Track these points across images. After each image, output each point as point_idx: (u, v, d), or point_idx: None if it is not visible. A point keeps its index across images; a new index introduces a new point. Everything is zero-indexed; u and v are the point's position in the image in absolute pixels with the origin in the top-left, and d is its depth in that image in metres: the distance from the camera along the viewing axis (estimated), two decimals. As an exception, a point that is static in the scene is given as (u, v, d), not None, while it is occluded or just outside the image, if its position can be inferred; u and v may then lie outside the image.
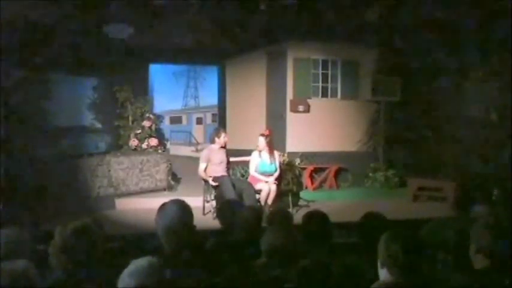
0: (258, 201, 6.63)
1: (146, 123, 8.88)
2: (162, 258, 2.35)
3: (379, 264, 2.19)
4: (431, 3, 7.65)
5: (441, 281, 2.36)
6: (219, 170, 6.84)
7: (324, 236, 3.33)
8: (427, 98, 9.07)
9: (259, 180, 6.82)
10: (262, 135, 7.05)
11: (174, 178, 8.65)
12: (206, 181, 6.90)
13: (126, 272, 1.94)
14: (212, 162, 6.86)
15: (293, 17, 7.85)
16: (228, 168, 7.10)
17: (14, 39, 7.28)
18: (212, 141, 7.04)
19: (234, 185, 6.60)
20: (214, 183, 6.72)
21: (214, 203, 6.81)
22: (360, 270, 2.49)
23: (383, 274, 2.17)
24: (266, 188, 6.71)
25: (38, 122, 7.85)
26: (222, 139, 6.94)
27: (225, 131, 7.22)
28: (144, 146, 8.72)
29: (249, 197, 6.52)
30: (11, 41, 7.21)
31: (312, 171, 8.64)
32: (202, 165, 6.87)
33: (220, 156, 6.93)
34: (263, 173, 6.90)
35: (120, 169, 7.74)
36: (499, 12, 7.38)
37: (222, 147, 6.98)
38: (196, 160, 7.56)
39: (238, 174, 7.63)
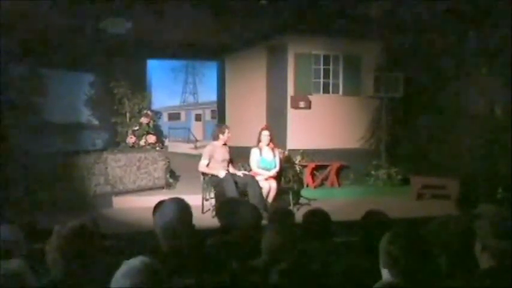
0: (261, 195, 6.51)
1: (144, 120, 8.78)
2: (159, 258, 2.27)
3: (380, 264, 2.14)
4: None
5: (445, 281, 2.29)
6: (221, 168, 6.70)
7: (325, 235, 3.28)
8: (430, 94, 8.96)
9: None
10: (265, 129, 6.98)
11: (173, 176, 8.58)
12: (205, 178, 6.79)
13: (119, 273, 1.86)
14: (214, 160, 6.74)
15: (294, 11, 7.73)
16: (229, 166, 6.98)
17: (10, 35, 7.18)
18: (216, 138, 6.91)
19: (236, 183, 6.47)
20: (221, 175, 6.54)
21: (213, 201, 6.72)
22: (362, 269, 2.47)
23: (385, 274, 2.12)
24: (266, 185, 6.65)
25: (34, 118, 7.74)
26: (226, 135, 6.83)
27: (228, 128, 7.07)
28: (141, 143, 8.63)
29: (254, 191, 6.41)
30: (7, 36, 7.10)
31: (313, 168, 8.56)
32: (204, 161, 6.75)
33: (223, 153, 6.83)
34: (264, 169, 6.85)
35: (117, 167, 7.65)
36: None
37: (224, 144, 6.87)
38: (195, 157, 7.47)
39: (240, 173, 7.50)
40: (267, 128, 7.10)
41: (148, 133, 8.76)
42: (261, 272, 2.58)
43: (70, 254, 2.28)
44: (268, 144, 6.92)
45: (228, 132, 6.88)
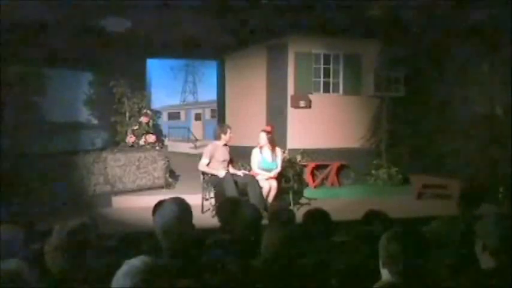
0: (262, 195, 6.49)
1: (143, 119, 8.75)
2: (159, 257, 2.26)
3: (380, 263, 2.13)
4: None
5: (445, 281, 2.30)
6: (221, 168, 6.69)
7: (325, 235, 3.28)
8: (431, 93, 8.94)
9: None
10: (264, 131, 6.96)
11: (172, 175, 8.56)
12: (205, 177, 6.77)
13: (120, 272, 1.86)
14: (215, 159, 6.72)
15: (294, 10, 7.71)
16: (229, 166, 6.96)
17: (9, 34, 7.16)
18: (217, 138, 6.89)
19: (236, 182, 6.45)
20: (221, 175, 6.53)
21: (213, 201, 6.70)
22: (362, 269, 2.47)
23: (384, 274, 2.11)
24: (266, 185, 6.63)
25: (32, 117, 7.72)
26: (228, 135, 6.81)
27: (230, 128, 7.04)
28: (141, 142, 8.59)
29: (254, 191, 6.40)
30: (5, 35, 7.08)
31: (313, 168, 8.55)
32: (204, 161, 6.73)
33: (224, 153, 6.82)
34: (264, 170, 6.82)
35: (116, 166, 7.64)
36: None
37: (225, 144, 6.85)
38: (194, 157, 7.44)
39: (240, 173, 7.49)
40: (265, 130, 7.04)
41: (147, 132, 8.72)
42: (261, 272, 2.57)
43: (70, 254, 2.29)
44: (268, 146, 6.88)
45: (230, 132, 6.87)
